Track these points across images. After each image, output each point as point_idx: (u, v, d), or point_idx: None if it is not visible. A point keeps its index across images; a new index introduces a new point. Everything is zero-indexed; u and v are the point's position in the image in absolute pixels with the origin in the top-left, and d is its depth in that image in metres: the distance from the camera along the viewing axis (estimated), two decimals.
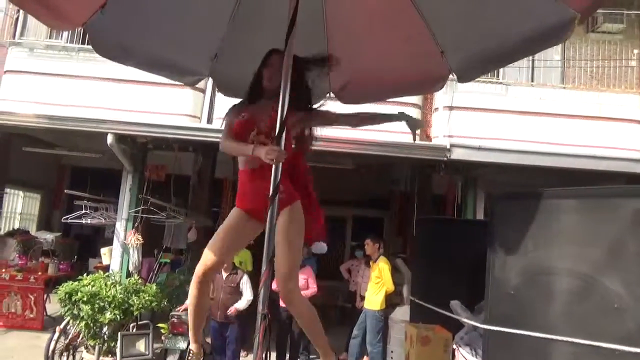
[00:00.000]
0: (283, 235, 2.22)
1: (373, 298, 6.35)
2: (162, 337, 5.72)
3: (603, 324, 2.89)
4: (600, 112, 8.89)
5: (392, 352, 6.37)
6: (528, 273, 3.44)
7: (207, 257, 2.30)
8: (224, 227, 2.35)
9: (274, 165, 2.03)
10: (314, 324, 2.36)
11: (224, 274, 5.56)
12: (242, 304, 5.49)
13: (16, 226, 10.10)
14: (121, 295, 5.60)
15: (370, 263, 6.64)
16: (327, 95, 3.03)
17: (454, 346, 4.57)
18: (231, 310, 5.42)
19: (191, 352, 2.40)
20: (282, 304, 6.07)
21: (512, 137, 8.45)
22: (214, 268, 2.34)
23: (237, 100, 2.64)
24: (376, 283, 6.35)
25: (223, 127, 2.46)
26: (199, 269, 2.31)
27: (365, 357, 6.65)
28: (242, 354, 6.14)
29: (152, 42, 2.66)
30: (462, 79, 2.63)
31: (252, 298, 5.50)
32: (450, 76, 2.71)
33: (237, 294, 5.57)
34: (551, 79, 9.24)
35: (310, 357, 6.66)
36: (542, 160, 7.13)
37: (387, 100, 3.43)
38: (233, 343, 5.54)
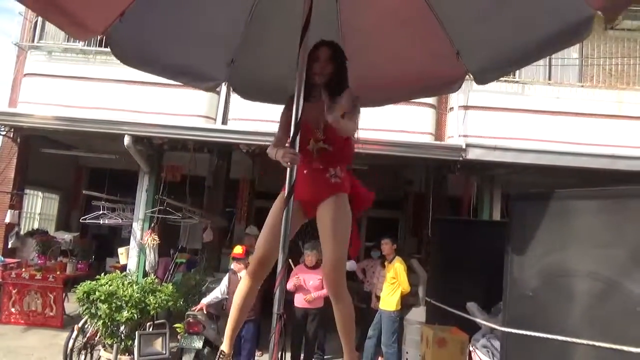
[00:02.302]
0: (331, 224, 2.21)
1: (389, 299, 6.32)
2: (178, 337, 5.76)
3: (625, 327, 2.83)
4: (619, 110, 8.73)
5: (407, 353, 6.33)
6: (547, 274, 3.39)
7: (258, 249, 2.26)
8: (271, 213, 2.29)
9: (288, 168, 2.03)
10: (350, 322, 2.35)
11: (239, 275, 5.58)
12: None
13: (35, 226, 10.29)
14: (138, 295, 5.65)
15: (385, 263, 6.60)
16: None
17: (471, 348, 4.52)
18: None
19: (223, 353, 2.34)
20: (297, 303, 6.08)
21: (528, 137, 8.35)
22: (267, 259, 2.25)
23: (255, 104, 2.64)
24: (392, 284, 6.31)
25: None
26: (253, 262, 2.28)
27: (380, 357, 6.62)
28: (257, 353, 6.16)
29: (171, 49, 2.70)
30: (480, 80, 2.60)
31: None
32: (466, 76, 2.68)
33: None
34: (569, 78, 9.10)
35: (325, 357, 6.65)
36: (559, 160, 7.01)
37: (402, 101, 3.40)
38: (249, 342, 5.56)
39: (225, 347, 2.37)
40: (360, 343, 7.01)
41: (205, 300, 5.73)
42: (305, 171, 2.24)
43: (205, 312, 5.73)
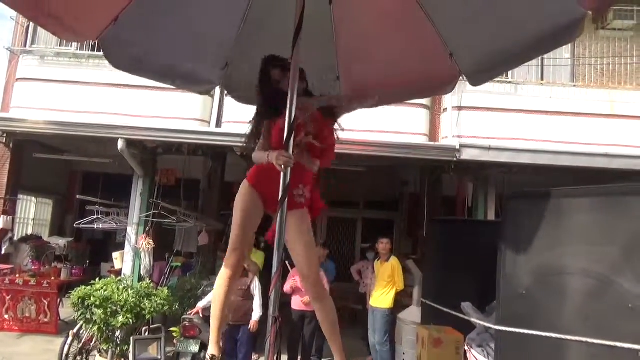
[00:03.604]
0: (300, 237, 2.30)
1: (383, 297, 6.34)
2: (174, 341, 5.74)
3: (618, 323, 2.84)
4: (612, 109, 8.80)
5: (404, 354, 6.34)
6: (541, 273, 3.40)
7: (229, 251, 2.34)
8: (239, 207, 2.35)
9: (282, 171, 2.05)
10: (335, 319, 2.40)
11: None
12: (256, 314, 5.53)
13: (29, 232, 10.22)
14: (133, 299, 5.63)
15: (379, 262, 6.63)
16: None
17: (466, 347, 4.53)
18: (252, 325, 5.48)
19: (214, 357, 2.35)
20: (294, 306, 6.08)
21: (522, 137, 8.39)
22: (239, 257, 2.34)
23: (250, 107, 2.68)
24: (388, 282, 6.34)
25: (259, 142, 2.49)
26: (225, 265, 2.34)
27: (369, 357, 6.66)
28: (254, 357, 6.15)
29: (164, 53, 2.70)
30: (473, 82, 2.62)
31: (262, 302, 5.51)
32: (460, 77, 2.69)
33: (248, 296, 5.59)
34: (561, 77, 9.17)
35: (323, 359, 6.64)
36: (553, 160, 7.06)
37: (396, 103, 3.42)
38: (245, 345, 5.55)
39: (213, 350, 2.36)
40: (360, 346, 7.06)
41: (201, 304, 5.71)
42: (273, 170, 2.19)
43: (201, 316, 5.71)
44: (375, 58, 2.79)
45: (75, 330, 5.78)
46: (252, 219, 2.36)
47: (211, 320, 2.39)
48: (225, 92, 3.17)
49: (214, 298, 2.40)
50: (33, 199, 10.74)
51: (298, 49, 2.10)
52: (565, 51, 9.16)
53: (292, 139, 2.08)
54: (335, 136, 2.50)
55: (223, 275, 2.34)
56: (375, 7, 2.52)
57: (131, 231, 7.46)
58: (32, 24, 9.10)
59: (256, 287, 5.63)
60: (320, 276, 2.57)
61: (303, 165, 2.31)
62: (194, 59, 2.82)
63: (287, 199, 2.10)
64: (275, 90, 2.39)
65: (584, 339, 2.96)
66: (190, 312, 5.77)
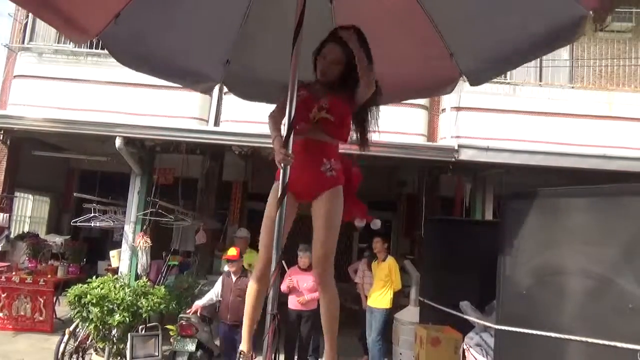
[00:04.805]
0: (326, 216, 2.22)
1: (381, 297, 6.34)
2: (171, 339, 5.72)
3: (617, 323, 2.85)
4: (610, 111, 8.81)
5: (400, 354, 6.34)
6: (540, 273, 3.40)
7: (260, 250, 2.29)
8: (268, 207, 2.27)
9: (280, 168, 2.03)
10: (336, 312, 2.34)
11: (234, 277, 5.55)
12: None
13: (26, 229, 10.18)
14: (130, 298, 5.61)
15: (376, 262, 6.63)
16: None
17: (464, 347, 4.53)
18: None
19: (242, 353, 2.34)
20: (290, 305, 6.06)
21: (520, 138, 8.39)
22: (269, 259, 2.19)
23: (248, 105, 2.63)
24: (385, 282, 6.34)
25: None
26: (256, 265, 2.30)
27: (365, 356, 6.66)
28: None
29: (166, 50, 2.69)
30: (473, 81, 2.61)
31: None
32: (460, 78, 2.69)
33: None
34: (560, 79, 9.17)
35: (319, 359, 6.63)
36: (551, 161, 7.07)
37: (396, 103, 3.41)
38: None
39: (244, 346, 2.37)
40: (356, 345, 7.05)
41: (199, 303, 5.69)
42: (300, 159, 2.14)
43: (198, 314, 5.69)
44: (376, 57, 2.78)
45: (71, 328, 5.76)
46: (288, 218, 2.22)
47: (244, 321, 2.40)
48: (227, 89, 3.15)
49: (246, 302, 2.39)
50: (30, 196, 10.69)
51: (299, 47, 2.09)
52: (563, 52, 9.17)
53: (291, 135, 2.06)
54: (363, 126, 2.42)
55: (254, 292, 2.31)
56: (376, 6, 2.51)
57: (128, 229, 7.44)
58: (30, 21, 9.06)
59: None
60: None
61: (320, 140, 2.24)
62: (195, 55, 2.80)
63: (318, 179, 2.09)
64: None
65: (583, 339, 2.97)
66: (188, 310, 5.75)
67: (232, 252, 5.60)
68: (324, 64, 2.28)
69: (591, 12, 1.99)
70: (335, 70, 2.28)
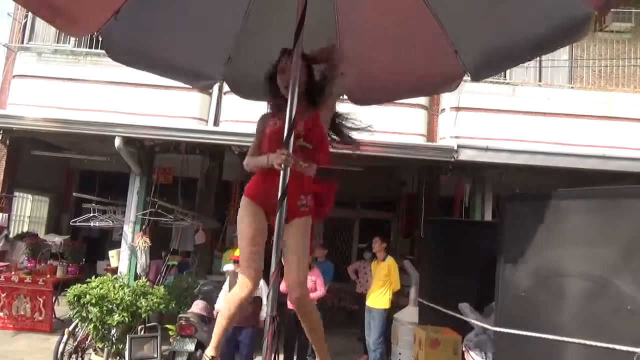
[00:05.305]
0: (297, 245, 2.22)
1: (380, 297, 6.34)
2: (170, 339, 5.72)
3: (616, 325, 2.85)
4: (609, 111, 8.82)
5: (400, 354, 6.34)
6: (539, 274, 3.40)
7: (245, 272, 2.26)
8: (244, 229, 2.27)
9: (282, 170, 2.02)
10: (319, 330, 2.35)
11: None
12: (264, 313, 5.49)
13: (25, 229, 10.17)
14: (129, 298, 5.60)
15: (375, 262, 6.63)
16: (342, 97, 3.02)
17: (464, 348, 4.53)
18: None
19: (214, 358, 2.32)
20: (289, 305, 6.06)
21: (520, 138, 8.40)
22: (256, 280, 2.26)
23: (247, 105, 2.62)
24: (384, 282, 6.34)
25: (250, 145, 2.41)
26: (243, 286, 2.25)
27: (365, 356, 6.66)
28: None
29: (166, 47, 2.68)
30: (475, 77, 2.61)
31: None
32: (464, 75, 2.68)
33: (253, 299, 5.53)
34: (559, 79, 9.18)
35: None
36: (550, 161, 7.07)
37: (397, 101, 3.41)
38: (247, 347, 5.51)
39: (212, 352, 2.33)
40: (356, 345, 7.06)
41: (217, 307, 5.67)
42: (271, 180, 2.14)
43: (196, 314, 5.69)
44: (380, 54, 2.77)
45: (70, 328, 5.75)
46: (260, 230, 2.27)
47: (216, 327, 2.34)
48: (228, 87, 3.14)
49: (222, 313, 2.32)
50: (29, 196, 10.68)
51: (300, 45, 2.09)
52: (563, 53, 9.17)
53: (292, 137, 2.05)
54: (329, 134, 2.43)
55: (236, 298, 2.26)
56: (380, 3, 2.50)
57: (128, 229, 7.44)
58: (29, 21, 9.06)
59: (264, 289, 5.57)
60: (308, 284, 2.50)
61: (300, 173, 2.21)
62: (196, 52, 2.79)
63: (292, 210, 2.05)
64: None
65: (582, 341, 2.97)
66: (188, 310, 5.75)
67: (238, 252, 5.57)
68: (284, 78, 2.26)
69: (596, 11, 1.98)
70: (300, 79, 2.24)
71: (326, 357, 2.40)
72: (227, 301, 2.36)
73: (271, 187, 2.10)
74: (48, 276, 7.65)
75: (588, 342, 2.93)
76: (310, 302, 2.34)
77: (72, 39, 9.00)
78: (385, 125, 8.40)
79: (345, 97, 2.99)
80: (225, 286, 5.75)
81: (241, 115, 7.80)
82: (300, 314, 2.32)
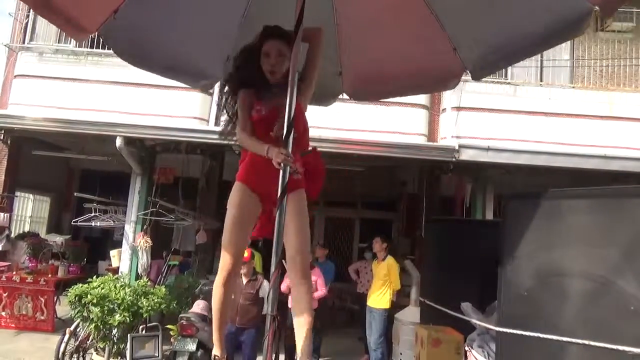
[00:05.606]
0: (299, 213, 2.22)
1: (381, 297, 6.34)
2: (171, 339, 5.72)
3: (619, 326, 2.83)
4: (611, 111, 8.80)
5: (401, 354, 6.33)
6: (541, 274, 3.39)
7: (226, 252, 2.24)
8: (233, 207, 2.27)
9: (280, 169, 2.00)
10: (312, 308, 2.25)
11: (244, 280, 5.52)
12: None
13: (26, 229, 10.17)
14: (130, 298, 5.61)
15: (376, 262, 6.64)
16: (340, 94, 3.01)
17: (466, 348, 4.52)
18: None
19: (216, 357, 2.30)
20: (290, 305, 6.05)
21: (521, 138, 8.39)
22: (236, 261, 2.25)
23: None
24: (384, 281, 6.34)
25: (238, 118, 2.33)
26: (223, 266, 2.23)
27: (365, 355, 6.66)
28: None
29: (165, 46, 2.67)
30: (475, 76, 2.60)
31: None
32: (464, 73, 2.67)
33: (257, 300, 5.52)
34: (560, 79, 9.16)
35: (320, 359, 6.63)
36: (552, 161, 7.07)
37: (398, 99, 3.41)
38: (249, 347, 5.51)
39: (217, 351, 2.32)
40: (356, 345, 7.05)
41: None
42: (267, 166, 2.07)
43: (197, 314, 5.69)
44: (378, 50, 2.76)
45: (72, 328, 5.76)
46: (248, 215, 2.28)
47: (213, 324, 2.33)
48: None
49: (213, 306, 2.31)
50: (30, 196, 10.68)
51: (299, 44, 2.08)
52: (564, 52, 9.16)
53: (291, 135, 2.04)
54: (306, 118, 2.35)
55: (218, 283, 2.24)
56: (379, 0, 2.50)
57: (129, 229, 7.45)
58: (30, 21, 9.06)
59: (266, 290, 5.57)
60: (311, 270, 2.46)
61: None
62: (195, 51, 2.78)
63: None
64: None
65: (584, 342, 2.96)
66: (189, 310, 5.75)
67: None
68: (270, 62, 2.23)
69: (597, 8, 1.98)
70: (283, 65, 2.23)
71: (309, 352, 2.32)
72: (213, 290, 2.32)
73: (265, 171, 2.08)
74: (49, 276, 7.67)
75: (591, 343, 2.92)
76: (308, 280, 2.26)
77: (75, 38, 8.99)
78: (386, 125, 8.41)
79: (344, 95, 2.98)
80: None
81: None
82: (299, 280, 2.22)
